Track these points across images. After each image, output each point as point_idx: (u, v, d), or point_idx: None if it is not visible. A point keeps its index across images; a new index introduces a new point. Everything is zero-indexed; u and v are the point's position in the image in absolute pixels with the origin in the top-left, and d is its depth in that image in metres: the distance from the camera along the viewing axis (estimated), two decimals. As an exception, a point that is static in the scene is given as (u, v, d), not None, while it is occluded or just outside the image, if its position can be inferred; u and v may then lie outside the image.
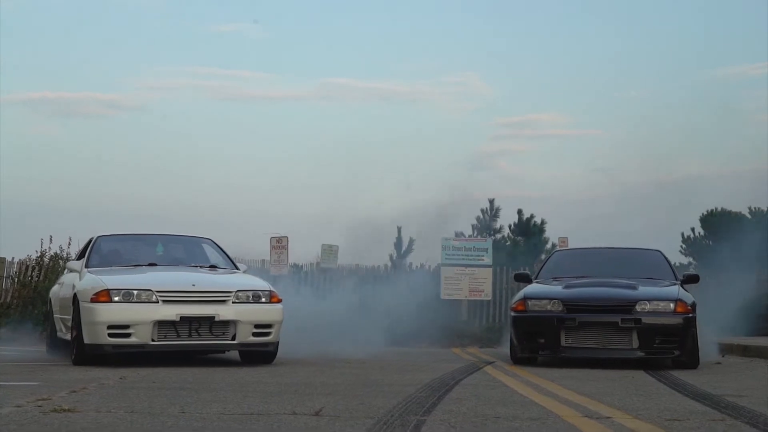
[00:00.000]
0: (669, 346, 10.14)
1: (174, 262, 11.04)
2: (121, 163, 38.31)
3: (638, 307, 10.16)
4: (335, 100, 42.03)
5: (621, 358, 10.24)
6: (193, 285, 9.91)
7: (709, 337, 12.20)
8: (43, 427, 5.15)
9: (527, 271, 12.68)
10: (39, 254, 18.56)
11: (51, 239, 18.53)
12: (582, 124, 41.87)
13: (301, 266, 19.94)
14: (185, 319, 9.64)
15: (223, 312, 9.74)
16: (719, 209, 31.11)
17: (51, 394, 6.72)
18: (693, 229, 31.45)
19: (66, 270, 11.94)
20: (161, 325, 9.59)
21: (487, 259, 17.91)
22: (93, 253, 10.97)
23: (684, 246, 31.04)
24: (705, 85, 40.06)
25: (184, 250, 11.48)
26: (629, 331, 10.09)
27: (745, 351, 12.84)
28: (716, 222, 29.70)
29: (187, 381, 7.98)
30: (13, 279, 18.38)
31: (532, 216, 28.53)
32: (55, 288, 12.16)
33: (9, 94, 38.49)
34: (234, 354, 10.73)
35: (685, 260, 28.54)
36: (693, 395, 7.28)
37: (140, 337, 9.54)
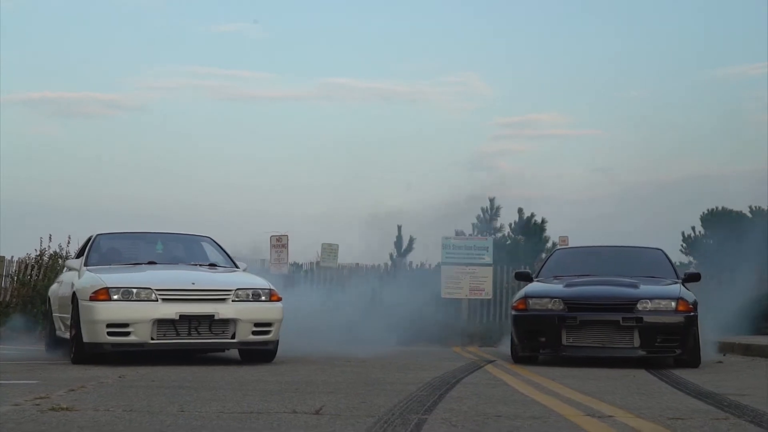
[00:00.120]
0: (670, 345, 10.10)
1: (173, 261, 10.99)
2: (121, 163, 38.31)
3: (640, 306, 10.12)
4: (335, 100, 42.03)
5: (622, 357, 10.20)
6: (193, 283, 9.87)
7: (709, 337, 12.16)
8: (40, 426, 5.11)
9: (528, 270, 12.64)
10: (38, 253, 18.55)
11: (50, 238, 18.52)
12: (582, 124, 41.88)
13: (301, 265, 19.90)
14: (185, 318, 9.60)
15: (223, 310, 9.70)
16: (720, 208, 31.10)
17: (49, 392, 6.69)
18: (694, 228, 31.45)
19: (65, 268, 11.91)
20: (161, 323, 9.55)
21: (488, 258, 17.87)
22: (92, 251, 10.93)
23: (684, 245, 31.02)
24: (705, 85, 40.08)
25: (184, 248, 11.44)
26: (630, 330, 10.05)
27: (747, 350, 12.81)
28: (717, 221, 29.68)
29: (186, 380, 7.95)
30: (12, 278, 18.33)
31: (532, 215, 28.56)
32: (54, 286, 12.11)
33: (9, 94, 38.49)
34: (234, 353, 10.69)
35: (685, 259, 28.50)
36: (695, 394, 7.24)
37: (139, 335, 9.50)
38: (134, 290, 9.60)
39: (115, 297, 9.54)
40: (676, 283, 10.96)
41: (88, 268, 10.45)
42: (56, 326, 11.36)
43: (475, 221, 28.01)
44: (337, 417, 5.58)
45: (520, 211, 28.73)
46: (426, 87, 42.45)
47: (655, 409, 6.17)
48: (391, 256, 24.28)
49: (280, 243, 18.00)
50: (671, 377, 8.82)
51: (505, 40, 41.51)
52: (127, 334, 9.50)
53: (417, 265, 21.51)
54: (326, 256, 19.00)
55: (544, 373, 9.01)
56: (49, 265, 18.07)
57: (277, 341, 10.09)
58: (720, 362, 11.32)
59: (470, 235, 24.80)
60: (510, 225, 28.81)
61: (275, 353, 10.18)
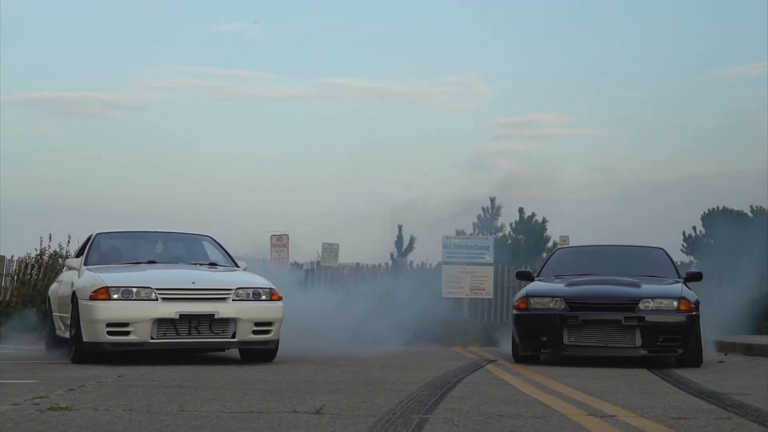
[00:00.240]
0: (672, 345, 10.07)
1: (174, 260, 10.95)
2: (121, 163, 38.32)
3: (641, 305, 10.08)
4: (335, 100, 42.04)
5: (624, 357, 10.17)
6: (193, 282, 9.84)
7: (710, 336, 12.13)
8: (39, 426, 5.08)
9: (529, 269, 12.61)
10: (38, 252, 18.52)
11: (50, 237, 18.50)
12: (582, 124, 41.85)
13: (302, 265, 19.88)
14: (185, 317, 9.56)
15: (223, 310, 9.67)
16: (720, 208, 31.09)
17: (48, 392, 6.65)
18: (694, 228, 31.43)
19: (65, 268, 11.87)
20: (161, 323, 9.52)
21: (489, 258, 17.83)
22: (92, 250, 10.90)
23: (685, 245, 31.00)
24: (705, 85, 40.06)
25: (184, 247, 11.40)
26: (632, 329, 10.01)
27: (748, 350, 12.77)
28: (717, 220, 29.65)
29: (186, 379, 7.91)
30: (12, 277, 18.31)
31: (533, 214, 28.53)
32: (54, 286, 12.08)
33: (9, 94, 38.49)
34: (234, 352, 10.66)
35: (686, 259, 28.49)
36: (698, 393, 7.21)
37: (139, 335, 9.47)
38: (134, 290, 9.57)
39: (115, 296, 9.50)
40: (677, 282, 10.93)
41: (88, 267, 10.41)
42: (56, 326, 11.33)
43: (476, 221, 28.00)
44: (337, 417, 5.55)
45: (520, 210, 28.73)
46: (426, 87, 42.47)
47: (657, 409, 6.13)
48: (391, 255, 24.26)
49: (280, 242, 17.98)
50: (673, 377, 8.78)
51: (505, 40, 41.53)
52: (127, 333, 9.46)
53: (417, 265, 21.49)
54: (327, 256, 18.97)
55: (545, 373, 8.98)
56: (49, 265, 18.05)
57: (278, 341, 10.06)
58: (721, 362, 11.28)
59: (471, 234, 24.78)
60: (511, 224, 28.81)
61: (276, 353, 10.14)
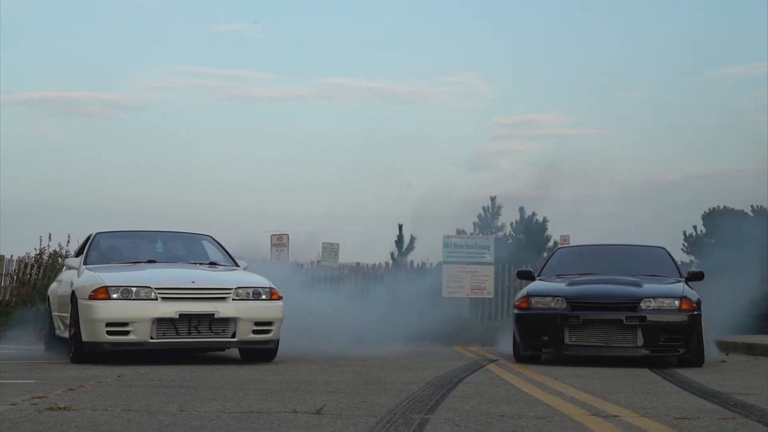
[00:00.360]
0: (674, 344, 10.03)
1: (173, 259, 10.92)
2: (121, 163, 38.29)
3: (643, 305, 10.05)
4: (335, 100, 42.01)
5: (625, 356, 10.13)
6: (193, 282, 9.80)
7: (710, 336, 12.10)
8: (37, 426, 5.04)
9: (530, 269, 12.57)
10: (38, 252, 18.50)
11: (50, 237, 18.48)
12: (582, 124, 41.80)
13: (302, 264, 19.84)
14: (184, 317, 9.53)
15: (223, 309, 9.63)
16: (721, 207, 31.07)
17: (47, 392, 6.62)
18: (695, 228, 31.42)
19: (64, 267, 11.83)
20: (160, 322, 9.48)
21: (489, 257, 17.79)
22: (91, 249, 10.86)
23: (686, 244, 30.99)
24: (705, 85, 40.04)
25: (184, 247, 11.37)
26: (634, 329, 9.98)
27: (750, 349, 12.74)
28: (718, 220, 29.63)
29: (185, 379, 7.88)
30: (12, 277, 18.28)
31: (533, 214, 28.49)
32: (54, 285, 12.04)
33: (9, 94, 38.46)
34: (234, 352, 10.63)
35: (687, 258, 28.46)
36: (700, 393, 7.17)
37: (139, 334, 9.43)
38: (134, 289, 9.53)
39: (115, 296, 9.46)
40: (679, 281, 10.89)
41: (88, 266, 10.38)
42: (55, 325, 11.29)
43: (476, 220, 27.97)
44: (338, 417, 5.51)
45: (521, 210, 28.69)
46: (426, 87, 42.44)
47: (660, 409, 6.10)
48: (392, 255, 24.22)
49: (280, 242, 17.95)
50: (675, 376, 8.75)
51: (505, 40, 41.50)
52: (127, 333, 9.42)
53: (418, 264, 21.45)
54: (327, 256, 18.93)
55: (547, 373, 8.94)
56: (49, 264, 18.03)
57: (278, 340, 10.02)
58: (723, 362, 11.25)
59: (471, 234, 24.75)
60: (511, 224, 28.77)
61: (276, 352, 10.11)
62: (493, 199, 27.82)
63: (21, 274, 18.26)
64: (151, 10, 41.97)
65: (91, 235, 11.24)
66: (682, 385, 7.85)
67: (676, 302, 10.12)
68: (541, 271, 11.71)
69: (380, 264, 20.84)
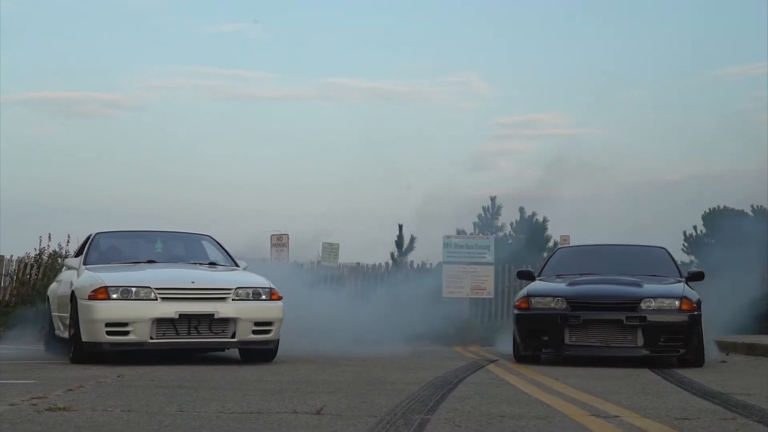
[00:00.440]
0: (674, 344, 10.02)
1: (173, 259, 10.90)
2: (121, 163, 38.27)
3: (643, 305, 10.03)
4: (335, 100, 41.99)
5: (625, 356, 10.12)
6: (193, 282, 9.79)
7: (711, 336, 12.08)
8: (36, 426, 5.03)
9: (530, 269, 12.55)
10: (38, 252, 18.48)
11: (50, 237, 18.47)
12: (582, 124, 41.77)
13: (302, 264, 19.83)
14: (184, 317, 9.51)
15: (223, 309, 9.62)
16: (721, 207, 31.05)
17: (47, 392, 6.61)
18: (695, 228, 31.40)
19: (64, 267, 11.82)
20: (160, 322, 9.47)
21: (489, 257, 17.77)
22: (91, 250, 10.85)
23: (686, 244, 30.97)
24: (705, 85, 40.03)
25: (184, 247, 11.35)
26: (634, 329, 9.96)
27: (750, 349, 12.73)
28: (718, 220, 29.60)
29: (185, 379, 7.86)
30: (12, 277, 18.27)
31: (534, 214, 28.48)
32: (53, 285, 12.03)
33: (9, 94, 38.44)
34: (234, 352, 10.61)
35: (687, 258, 28.44)
36: (701, 394, 7.16)
37: (139, 334, 9.41)
38: (133, 289, 9.51)
39: (114, 296, 9.45)
40: (679, 281, 10.88)
41: (87, 267, 10.36)
42: (55, 326, 11.28)
43: (477, 220, 27.96)
44: (338, 417, 5.50)
45: (521, 210, 28.68)
46: (426, 87, 42.42)
47: (661, 409, 6.08)
48: (392, 255, 24.21)
49: (280, 242, 17.93)
50: (676, 377, 8.74)
51: (505, 40, 41.48)
52: (126, 333, 9.41)
53: (418, 264, 21.44)
54: (327, 256, 18.92)
55: (547, 373, 8.93)
56: (49, 264, 18.02)
57: (278, 340, 10.01)
58: (723, 362, 11.24)
59: (471, 234, 24.73)
60: (511, 224, 28.76)
61: (276, 353, 10.09)
62: (493, 199, 27.83)
63: (21, 274, 18.25)
64: (151, 10, 41.98)
65: (90, 235, 11.22)
66: (682, 386, 7.84)
67: (677, 302, 10.10)
68: (541, 272, 11.70)
69: (380, 264, 20.84)
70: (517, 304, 10.66)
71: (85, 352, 9.58)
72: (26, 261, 18.46)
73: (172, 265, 10.59)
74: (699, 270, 11.61)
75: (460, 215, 24.83)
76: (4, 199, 29.43)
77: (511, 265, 19.21)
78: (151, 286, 9.54)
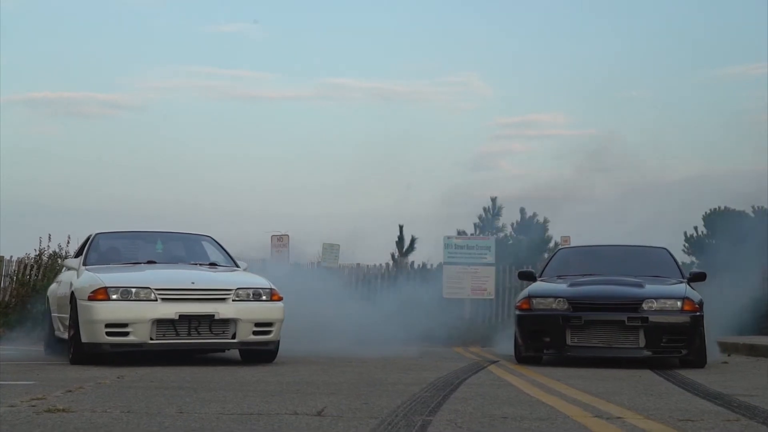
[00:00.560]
0: (676, 345, 9.99)
1: (173, 260, 10.87)
2: (121, 163, 38.22)
3: (645, 306, 10.00)
4: (335, 100, 41.95)
5: (627, 357, 10.09)
6: (193, 283, 9.76)
7: (712, 337, 12.05)
8: (35, 428, 5.00)
9: (531, 269, 12.52)
10: (38, 253, 18.45)
11: (50, 238, 18.43)
12: (582, 124, 41.73)
13: (302, 265, 19.80)
14: (184, 318, 9.48)
15: (223, 310, 9.59)
16: (722, 207, 30.99)
17: (46, 393, 6.58)
18: (696, 228, 31.34)
19: (64, 268, 11.79)
20: (160, 323, 9.44)
21: (490, 258, 17.75)
22: (91, 250, 10.81)
23: (687, 245, 30.92)
24: (705, 85, 40.00)
25: (184, 247, 11.32)
26: (636, 330, 9.93)
27: (752, 350, 12.70)
28: (719, 221, 29.54)
29: (185, 380, 7.83)
30: (11, 278, 18.24)
31: (534, 214, 28.43)
32: (53, 286, 12.00)
33: (9, 94, 38.40)
34: (234, 353, 10.58)
35: (688, 259, 28.40)
36: (704, 395, 7.12)
37: (139, 335, 9.38)
38: (133, 290, 9.48)
39: (114, 297, 9.42)
40: (681, 282, 10.85)
41: (87, 267, 10.33)
42: (55, 326, 11.25)
43: (477, 221, 27.91)
44: (339, 418, 5.47)
45: (522, 210, 28.63)
46: (426, 87, 42.36)
47: (664, 410, 6.05)
48: (392, 255, 24.15)
49: (281, 243, 17.90)
50: (678, 378, 8.70)
51: (505, 40, 41.42)
52: (126, 334, 9.38)
53: (419, 265, 21.40)
54: (327, 256, 18.89)
55: (548, 374, 8.90)
56: (49, 265, 17.98)
57: (278, 341, 9.98)
58: (725, 362, 11.21)
59: (472, 234, 24.70)
60: (512, 224, 28.70)
61: (276, 353, 10.06)
62: (493, 199, 27.77)
63: (20, 275, 18.21)
64: (152, 10, 41.93)
65: (90, 235, 11.19)
66: (684, 387, 7.81)
67: (679, 303, 10.07)
68: (542, 272, 11.67)
69: (380, 265, 20.80)
70: (518, 304, 10.63)
71: (84, 353, 9.55)
72: (26, 262, 18.43)
73: (172, 266, 10.57)
74: (701, 270, 11.57)
75: (461, 216, 24.81)
76: (4, 199, 29.38)
77: (511, 266, 19.18)
78: (151, 287, 9.51)
